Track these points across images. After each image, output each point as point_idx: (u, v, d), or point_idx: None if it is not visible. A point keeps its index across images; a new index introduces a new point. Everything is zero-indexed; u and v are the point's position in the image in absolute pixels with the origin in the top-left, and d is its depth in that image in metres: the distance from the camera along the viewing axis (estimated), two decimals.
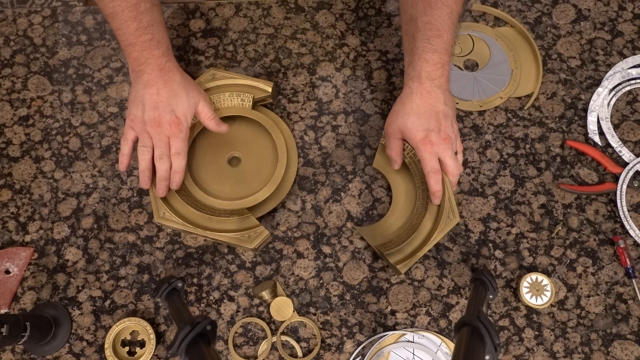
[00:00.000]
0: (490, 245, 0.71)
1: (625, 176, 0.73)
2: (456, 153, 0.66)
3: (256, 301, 0.69)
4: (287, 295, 0.69)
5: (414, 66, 0.65)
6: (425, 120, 0.65)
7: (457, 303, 0.69)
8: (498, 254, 0.71)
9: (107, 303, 0.69)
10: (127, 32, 0.66)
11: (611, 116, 0.77)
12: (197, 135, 0.73)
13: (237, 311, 0.69)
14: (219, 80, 0.73)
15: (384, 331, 0.68)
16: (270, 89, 0.73)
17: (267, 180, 0.70)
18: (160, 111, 0.66)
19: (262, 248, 0.71)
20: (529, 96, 0.79)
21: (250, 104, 0.73)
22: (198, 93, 0.70)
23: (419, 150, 0.65)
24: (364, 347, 0.67)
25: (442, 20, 0.64)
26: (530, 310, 0.68)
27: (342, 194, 0.74)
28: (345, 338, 0.68)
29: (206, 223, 0.68)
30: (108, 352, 0.66)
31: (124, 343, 0.68)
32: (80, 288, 0.70)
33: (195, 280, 0.70)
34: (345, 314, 0.69)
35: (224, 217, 0.68)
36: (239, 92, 0.73)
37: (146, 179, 0.68)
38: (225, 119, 0.74)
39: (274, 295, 0.68)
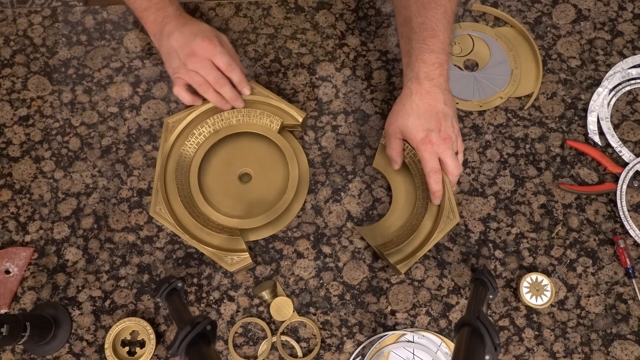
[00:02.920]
0: (490, 245, 0.71)
1: (625, 176, 0.73)
2: (457, 153, 0.66)
3: (256, 301, 0.69)
4: (287, 295, 0.69)
5: (411, 67, 0.65)
6: (425, 120, 0.65)
7: (457, 303, 0.69)
8: (498, 254, 0.71)
9: (107, 303, 0.69)
10: None
11: (611, 116, 0.77)
12: (217, 142, 0.72)
13: (237, 311, 0.69)
14: (255, 95, 0.72)
15: (384, 331, 0.68)
16: (301, 120, 0.72)
17: (269, 209, 0.69)
18: (189, 44, 0.68)
19: (260, 253, 0.71)
20: (529, 96, 0.79)
21: (278, 127, 0.72)
22: (217, 30, 0.72)
23: (419, 151, 0.65)
24: (364, 347, 0.67)
25: (437, 20, 0.64)
26: (530, 310, 0.68)
27: (342, 194, 0.74)
28: (345, 338, 0.68)
29: (196, 232, 0.68)
30: (108, 352, 0.66)
31: (124, 343, 0.68)
32: (80, 288, 0.70)
33: (195, 280, 0.70)
34: (345, 314, 0.69)
35: (215, 231, 0.67)
36: (269, 113, 0.72)
37: (225, 106, 0.71)
38: (249, 135, 0.74)
39: (274, 295, 0.68)
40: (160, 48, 0.72)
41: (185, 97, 0.70)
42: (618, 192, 0.72)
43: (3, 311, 0.69)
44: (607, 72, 0.79)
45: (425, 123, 0.65)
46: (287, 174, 0.71)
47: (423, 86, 0.65)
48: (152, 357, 0.66)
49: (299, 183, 0.71)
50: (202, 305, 0.69)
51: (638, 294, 0.68)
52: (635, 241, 0.70)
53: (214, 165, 0.74)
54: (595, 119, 0.77)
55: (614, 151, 0.75)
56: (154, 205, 0.68)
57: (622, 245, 0.69)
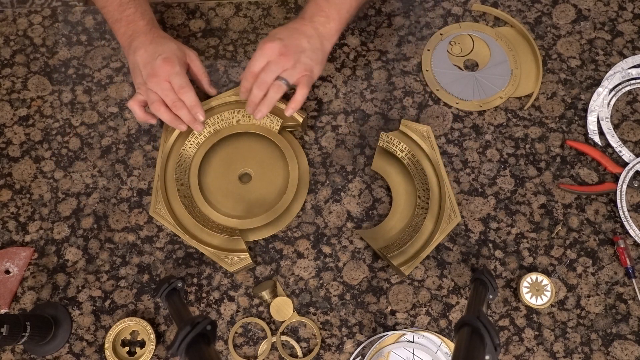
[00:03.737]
0: (490, 245, 0.71)
1: (625, 176, 0.73)
2: (292, 89, 0.68)
3: (256, 301, 0.69)
4: (287, 295, 0.69)
5: (305, 9, 0.70)
6: (285, 32, 0.67)
7: (457, 303, 0.69)
8: (498, 254, 0.71)
9: (107, 303, 0.69)
10: (112, 8, 0.71)
11: (611, 116, 0.77)
12: (218, 142, 0.73)
13: (237, 311, 0.69)
14: None
15: (384, 331, 0.68)
16: (301, 120, 0.72)
17: (269, 209, 0.69)
18: (151, 64, 0.68)
19: (260, 253, 0.71)
20: (529, 96, 0.79)
21: (278, 127, 0.72)
22: (185, 46, 0.72)
23: (260, 48, 0.66)
24: (364, 347, 0.67)
25: None
26: (530, 310, 0.68)
27: (342, 194, 0.74)
28: (345, 338, 0.68)
29: (196, 232, 0.68)
30: (108, 352, 0.66)
31: (124, 343, 0.68)
32: (80, 288, 0.70)
33: (195, 280, 0.70)
34: (345, 314, 0.69)
35: (215, 231, 0.67)
36: (269, 114, 0.71)
37: (181, 126, 0.69)
38: (249, 135, 0.74)
39: (274, 295, 0.68)
40: (128, 61, 0.72)
41: (137, 113, 0.70)
42: (618, 192, 0.72)
43: (3, 311, 0.69)
44: (607, 72, 0.79)
45: (282, 33, 0.67)
46: (287, 174, 0.71)
47: (303, 22, 0.68)
48: (152, 357, 0.66)
49: (299, 183, 0.71)
50: (202, 305, 0.69)
51: (638, 294, 0.68)
52: (635, 241, 0.70)
53: (214, 165, 0.74)
54: (595, 119, 0.76)
55: (614, 151, 0.75)
56: (153, 205, 0.68)
57: (622, 245, 0.69)
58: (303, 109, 0.78)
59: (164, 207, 0.67)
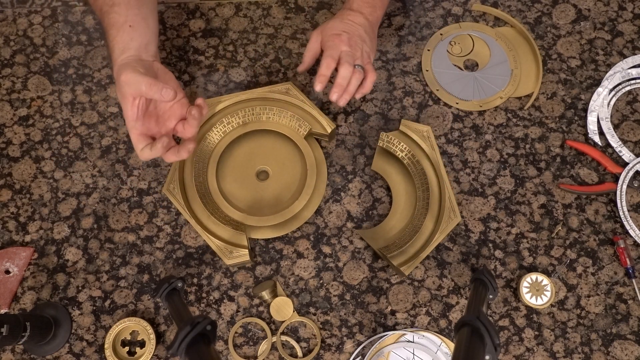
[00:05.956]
0: (490, 245, 0.71)
1: (625, 176, 0.73)
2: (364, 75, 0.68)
3: (256, 301, 0.69)
4: (287, 295, 0.69)
5: (350, 1, 0.73)
6: (344, 25, 0.70)
7: (457, 303, 0.69)
8: (498, 254, 0.71)
9: (107, 303, 0.69)
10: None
11: (611, 116, 0.77)
12: (243, 135, 0.73)
13: (237, 311, 0.69)
14: (290, 97, 0.73)
15: (384, 331, 0.68)
16: (329, 130, 0.72)
17: (279, 211, 0.69)
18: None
19: (260, 253, 0.71)
20: (529, 96, 0.79)
21: (305, 133, 0.72)
22: (137, 75, 0.58)
23: (327, 41, 0.69)
24: (364, 347, 0.67)
25: None
26: (530, 310, 0.68)
27: (342, 194, 0.74)
28: (345, 338, 0.68)
29: (203, 218, 0.68)
30: (108, 352, 0.66)
31: (124, 343, 0.68)
32: (80, 288, 0.70)
33: (195, 280, 0.70)
34: (345, 314, 0.69)
35: (221, 222, 0.68)
36: (300, 118, 0.72)
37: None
38: (276, 134, 0.74)
39: (274, 295, 0.68)
40: None
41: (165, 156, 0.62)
42: (618, 192, 0.72)
43: (3, 311, 0.69)
44: (607, 72, 0.79)
45: (343, 27, 0.69)
46: (304, 181, 0.71)
47: (352, 12, 0.71)
48: (152, 357, 0.66)
49: (313, 192, 0.70)
50: (202, 305, 0.69)
51: (638, 294, 0.68)
52: (635, 241, 0.70)
53: (235, 156, 0.74)
54: (595, 119, 0.76)
55: (614, 151, 0.75)
56: (168, 183, 0.68)
57: (622, 245, 0.69)
58: (333, 119, 0.77)
59: (178, 187, 0.68)
